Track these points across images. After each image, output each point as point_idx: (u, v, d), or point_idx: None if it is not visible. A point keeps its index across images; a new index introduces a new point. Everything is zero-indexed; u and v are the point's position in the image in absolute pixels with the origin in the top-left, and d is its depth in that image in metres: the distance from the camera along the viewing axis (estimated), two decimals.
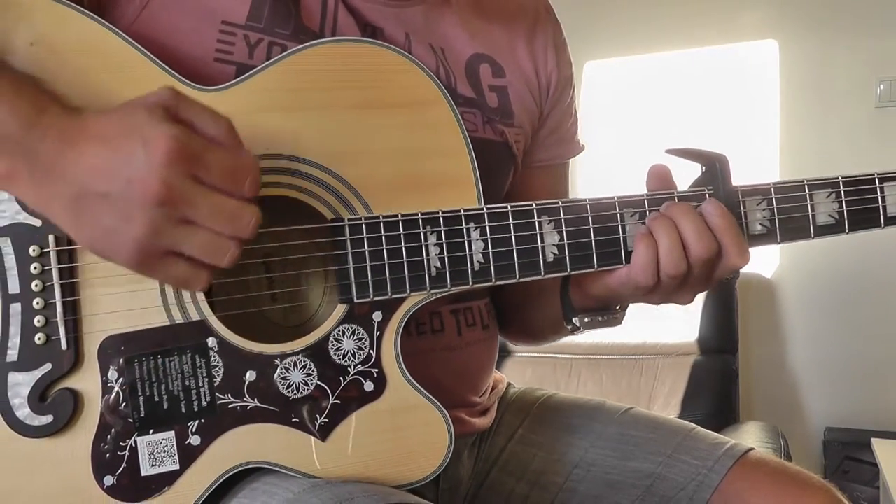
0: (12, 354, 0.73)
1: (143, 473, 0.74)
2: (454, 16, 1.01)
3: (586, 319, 0.94)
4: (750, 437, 2.25)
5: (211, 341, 0.76)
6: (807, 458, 2.83)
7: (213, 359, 0.76)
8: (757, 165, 2.87)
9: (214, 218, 0.65)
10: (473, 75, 1.00)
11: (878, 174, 0.90)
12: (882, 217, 0.90)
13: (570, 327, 0.96)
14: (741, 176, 0.88)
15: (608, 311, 0.94)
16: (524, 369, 2.74)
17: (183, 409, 0.75)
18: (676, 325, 2.66)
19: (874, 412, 2.81)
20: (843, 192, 0.88)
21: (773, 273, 2.96)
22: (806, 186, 0.88)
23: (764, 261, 2.94)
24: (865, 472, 2.65)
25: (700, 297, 2.66)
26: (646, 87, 3.07)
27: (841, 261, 2.80)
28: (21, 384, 0.73)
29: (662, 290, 0.85)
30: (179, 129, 0.64)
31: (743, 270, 2.66)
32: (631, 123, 3.05)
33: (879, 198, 0.90)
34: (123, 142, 0.63)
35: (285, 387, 0.77)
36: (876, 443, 2.51)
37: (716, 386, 2.59)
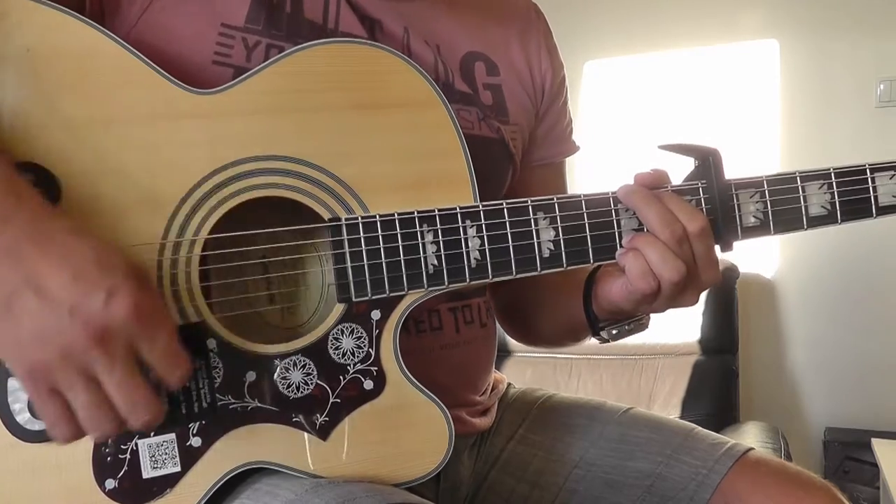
0: None
1: (145, 476, 0.74)
2: (451, 12, 1.02)
3: (614, 331, 0.95)
4: (750, 437, 2.25)
5: (210, 342, 0.76)
6: (807, 458, 2.83)
7: (212, 360, 0.76)
8: (757, 165, 2.86)
9: (115, 394, 0.64)
10: (469, 73, 1.01)
11: (869, 165, 0.91)
12: (874, 207, 0.91)
13: (598, 340, 0.97)
14: (741, 175, 0.89)
15: (634, 318, 0.95)
16: (524, 369, 2.74)
17: (183, 411, 0.75)
18: (676, 325, 2.66)
19: (874, 412, 2.81)
20: (834, 184, 0.90)
21: (773, 273, 2.96)
22: (798, 178, 0.89)
23: (764, 261, 2.94)
24: (865, 472, 2.64)
25: (701, 298, 2.66)
26: (646, 87, 3.07)
27: (841, 261, 2.81)
28: (21, 389, 0.72)
29: (665, 296, 0.85)
30: (146, 300, 0.63)
31: (743, 270, 2.65)
32: (631, 123, 3.05)
33: (871, 188, 0.91)
34: (92, 275, 0.62)
35: (285, 387, 0.78)
36: (876, 443, 2.51)
37: (716, 386, 2.59)
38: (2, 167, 0.66)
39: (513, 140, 1.04)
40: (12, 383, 0.72)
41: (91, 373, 0.63)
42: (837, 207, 0.90)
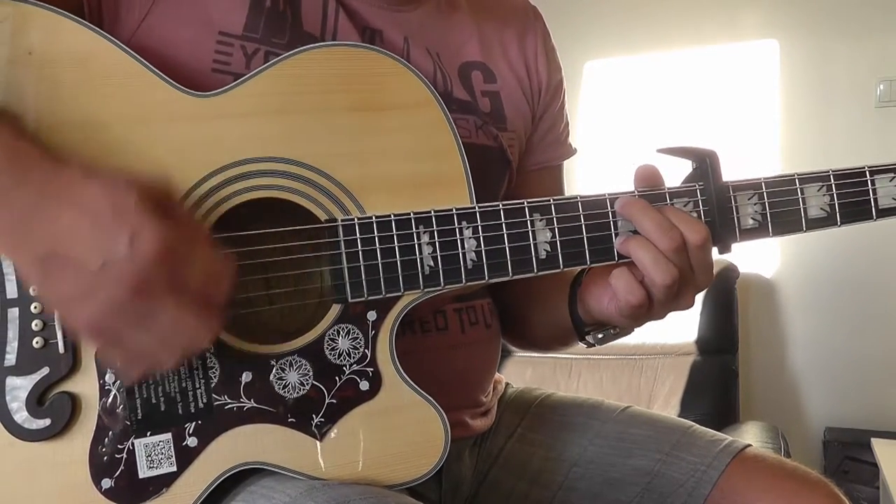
0: (10, 359, 0.73)
1: (141, 476, 0.75)
2: (450, 21, 1.03)
3: (599, 336, 0.95)
4: (750, 437, 2.25)
5: None
6: (807, 457, 2.82)
7: (209, 360, 0.76)
8: (757, 165, 2.87)
9: (172, 330, 0.65)
10: (467, 81, 1.01)
11: (869, 167, 0.91)
12: (874, 209, 0.91)
13: (584, 344, 0.98)
14: (741, 175, 0.88)
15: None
16: (524, 369, 2.74)
17: (180, 411, 0.75)
18: (676, 325, 2.66)
19: (874, 412, 2.81)
20: (833, 186, 0.89)
21: (773, 273, 2.96)
22: (796, 181, 0.89)
23: (764, 261, 2.94)
24: (865, 472, 2.64)
25: (699, 298, 2.66)
26: (646, 87, 3.07)
27: (841, 261, 2.81)
28: (19, 388, 0.73)
29: (660, 301, 0.85)
30: (169, 230, 0.63)
31: (743, 270, 2.64)
32: (631, 123, 3.05)
33: (870, 190, 0.90)
34: (109, 223, 0.62)
35: (281, 387, 0.78)
36: (876, 443, 2.51)
37: (716, 386, 2.59)
38: (5, 133, 0.66)
39: (510, 147, 1.04)
40: (10, 381, 0.72)
41: (142, 319, 0.63)
42: (837, 210, 0.89)
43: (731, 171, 0.88)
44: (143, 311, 0.63)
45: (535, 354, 2.75)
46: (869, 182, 0.90)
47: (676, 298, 0.85)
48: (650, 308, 0.85)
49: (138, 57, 0.77)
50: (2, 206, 0.63)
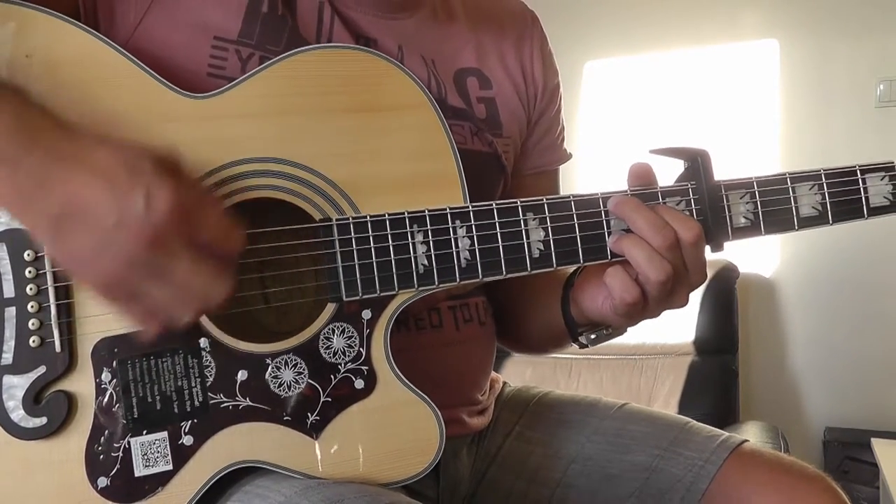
0: (7, 357, 0.73)
1: (137, 474, 0.75)
2: (445, 28, 1.03)
3: (592, 336, 0.95)
4: (750, 437, 2.21)
5: (203, 342, 0.77)
6: (807, 457, 2.78)
7: (205, 359, 0.77)
8: (757, 165, 2.86)
9: (188, 282, 0.66)
10: (462, 87, 1.01)
11: (860, 166, 0.91)
12: (865, 208, 0.91)
13: (577, 345, 0.98)
14: (739, 175, 0.89)
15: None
16: (523, 369, 2.74)
17: (176, 410, 0.76)
18: (676, 325, 2.66)
19: (874, 412, 2.81)
20: (825, 185, 0.90)
21: (773, 273, 2.96)
22: (788, 179, 0.89)
23: (764, 260, 2.94)
24: (865, 472, 2.64)
25: (699, 297, 2.67)
26: (646, 87, 3.07)
27: (841, 261, 2.80)
28: (16, 387, 0.73)
29: (653, 301, 0.85)
30: (183, 189, 0.64)
31: (743, 270, 2.64)
32: (631, 123, 3.05)
33: (861, 189, 0.91)
34: (124, 182, 0.63)
35: (276, 385, 0.78)
36: (876, 443, 2.51)
37: (715, 386, 2.59)
38: (13, 102, 0.67)
39: (505, 153, 1.04)
40: (7, 380, 0.73)
41: (159, 271, 0.65)
42: (829, 208, 0.90)
43: (732, 171, 0.89)
44: (159, 265, 0.64)
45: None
46: (860, 181, 0.91)
47: (670, 296, 0.86)
48: (645, 306, 0.85)
49: (135, 59, 0.78)
50: (13, 170, 0.64)
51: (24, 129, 0.65)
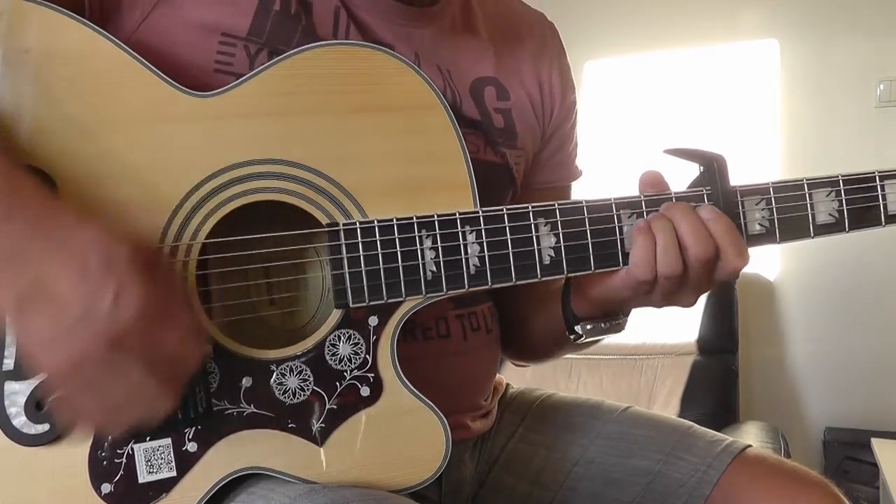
0: (8, 363, 0.72)
1: (141, 480, 0.74)
2: (463, 37, 1.02)
3: (588, 326, 0.94)
4: (750, 437, 2.25)
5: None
6: (807, 457, 2.83)
7: (209, 365, 0.76)
8: (757, 165, 2.87)
9: (134, 392, 0.65)
10: (478, 97, 1.00)
11: (879, 172, 0.89)
12: (883, 215, 0.90)
13: (573, 337, 0.96)
14: (741, 176, 0.88)
15: (611, 317, 0.94)
16: (524, 370, 2.73)
17: (180, 416, 0.75)
18: (676, 325, 2.66)
19: (874, 412, 2.81)
20: (843, 191, 0.88)
21: (774, 273, 2.96)
22: (805, 185, 0.88)
23: (764, 261, 2.94)
24: (865, 472, 2.64)
25: (700, 297, 2.67)
26: (646, 87, 3.07)
27: (841, 261, 2.80)
28: (17, 393, 0.72)
29: (660, 291, 0.85)
30: (154, 292, 0.63)
31: (743, 270, 2.65)
32: (631, 123, 3.05)
33: (880, 196, 0.89)
34: (97, 275, 0.61)
35: (281, 392, 0.77)
36: (876, 443, 2.51)
37: (716, 386, 2.59)
38: (3, 164, 0.65)
39: (516, 164, 1.04)
40: (8, 386, 0.72)
41: (109, 374, 0.63)
42: (845, 216, 0.88)
43: (732, 171, 0.87)
44: (112, 367, 0.63)
45: None
46: (879, 187, 0.89)
47: (677, 293, 0.86)
48: (652, 290, 0.85)
49: (138, 56, 0.76)
50: None
51: (7, 195, 0.63)
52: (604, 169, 2.82)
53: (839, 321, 2.89)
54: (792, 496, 0.93)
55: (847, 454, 2.72)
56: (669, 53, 3.05)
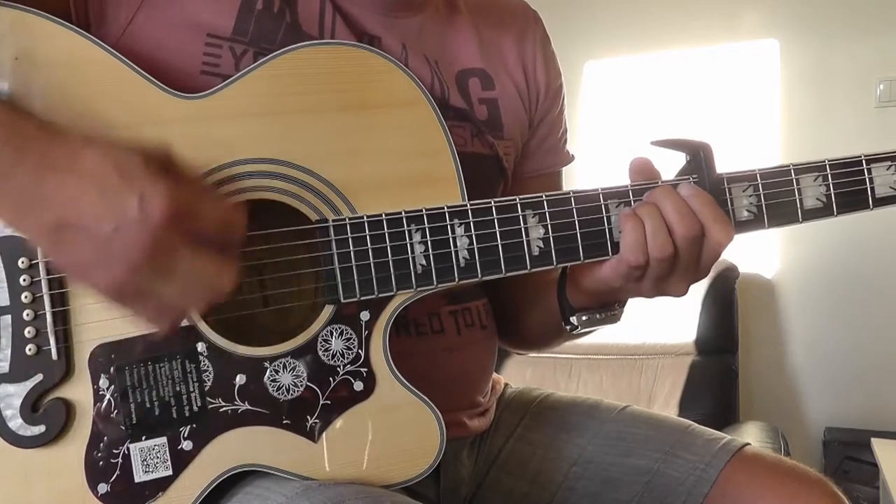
0: (3, 366, 0.73)
1: (137, 480, 0.75)
2: (449, 28, 1.02)
3: (584, 317, 0.94)
4: (750, 437, 2.24)
5: (200, 346, 0.76)
6: (807, 457, 2.81)
7: (202, 363, 0.76)
8: (757, 165, 2.86)
9: (194, 277, 0.66)
10: (464, 88, 1.00)
11: (865, 156, 0.91)
12: (870, 198, 0.90)
13: (568, 327, 0.96)
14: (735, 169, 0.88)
15: (606, 307, 0.94)
16: (524, 370, 2.74)
17: (174, 415, 0.76)
18: (676, 325, 2.66)
19: (874, 412, 2.81)
20: (829, 175, 0.89)
21: (774, 273, 2.96)
22: (792, 171, 0.88)
23: (764, 261, 2.94)
24: (865, 472, 2.64)
25: (699, 297, 2.68)
26: (646, 87, 3.07)
27: (841, 261, 2.80)
28: (13, 395, 0.73)
29: (651, 276, 0.85)
30: (177, 187, 0.64)
31: (743, 270, 2.65)
32: (631, 123, 3.05)
33: (867, 179, 0.90)
34: (116, 187, 0.62)
35: (275, 389, 0.78)
36: (876, 443, 2.51)
37: (715, 386, 2.59)
38: (3, 112, 0.66)
39: (506, 155, 1.04)
40: (4, 389, 0.73)
41: (163, 271, 0.64)
42: (833, 199, 0.89)
43: (718, 160, 0.88)
44: (163, 265, 0.64)
45: (535, 354, 2.74)
46: (866, 171, 0.90)
47: (667, 279, 0.86)
48: (643, 276, 0.85)
49: (126, 60, 0.77)
50: (5, 181, 0.63)
51: (13, 138, 0.64)
52: (604, 169, 2.83)
53: (839, 321, 2.88)
54: (791, 494, 0.93)
55: (847, 454, 2.72)
56: (669, 53, 3.05)
